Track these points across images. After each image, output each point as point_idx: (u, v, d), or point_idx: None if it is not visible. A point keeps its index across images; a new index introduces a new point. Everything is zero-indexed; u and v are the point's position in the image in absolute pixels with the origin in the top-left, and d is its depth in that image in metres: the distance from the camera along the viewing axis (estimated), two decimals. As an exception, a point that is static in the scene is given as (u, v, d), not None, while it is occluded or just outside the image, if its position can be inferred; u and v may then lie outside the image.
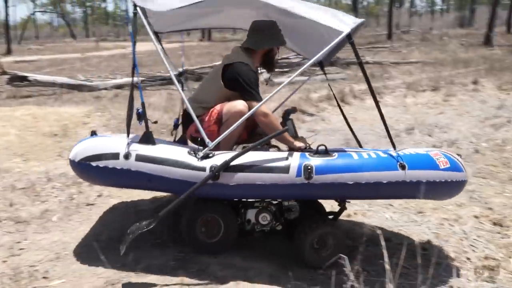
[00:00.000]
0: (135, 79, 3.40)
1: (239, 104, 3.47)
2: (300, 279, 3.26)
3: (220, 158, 3.22)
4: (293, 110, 3.95)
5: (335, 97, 4.90)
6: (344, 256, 2.55)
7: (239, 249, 3.52)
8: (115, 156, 3.23)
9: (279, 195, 3.37)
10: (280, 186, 3.16)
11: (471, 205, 4.91)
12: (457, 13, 68.76)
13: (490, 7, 31.39)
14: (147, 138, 3.36)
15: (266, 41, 3.74)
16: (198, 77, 12.68)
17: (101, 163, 3.24)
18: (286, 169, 3.15)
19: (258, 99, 3.51)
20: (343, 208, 3.65)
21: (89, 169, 3.29)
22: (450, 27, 49.84)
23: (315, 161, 3.19)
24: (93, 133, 3.60)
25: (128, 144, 3.27)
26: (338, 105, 4.66)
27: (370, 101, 10.81)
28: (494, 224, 4.43)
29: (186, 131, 3.84)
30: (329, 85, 5.10)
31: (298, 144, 3.50)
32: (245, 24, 4.04)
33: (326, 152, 3.29)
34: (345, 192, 3.27)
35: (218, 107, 3.59)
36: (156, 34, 4.22)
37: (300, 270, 3.39)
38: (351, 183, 3.14)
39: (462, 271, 3.45)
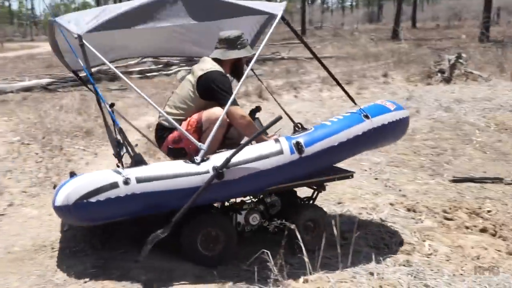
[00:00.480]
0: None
1: (218, 111, 3.51)
2: (225, 277, 3.24)
3: (217, 158, 3.27)
4: (258, 109, 4.07)
5: (268, 90, 5.04)
6: (267, 251, 2.55)
7: (162, 251, 3.44)
8: (114, 185, 3.04)
9: (282, 179, 3.45)
10: (281, 167, 3.33)
11: (387, 193, 5.12)
12: (366, 9, 71.50)
13: (396, 3, 32.92)
14: (139, 161, 3.25)
15: (233, 52, 3.81)
16: (112, 77, 12.30)
17: (101, 197, 3.01)
18: (280, 151, 3.35)
19: (234, 103, 3.55)
20: (319, 192, 3.86)
21: (89, 206, 3.01)
22: (360, 23, 51.83)
23: (300, 137, 3.45)
24: (73, 174, 3.40)
25: (121, 171, 3.11)
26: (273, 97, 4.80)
27: (286, 97, 11.02)
28: (408, 210, 4.65)
29: (161, 145, 3.79)
30: (259, 80, 5.07)
31: (271, 140, 3.55)
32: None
33: (304, 128, 3.64)
34: (333, 156, 3.57)
35: (195, 116, 3.60)
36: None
37: (225, 268, 3.37)
38: (336, 144, 3.47)
39: (380, 257, 3.57)
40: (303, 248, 3.10)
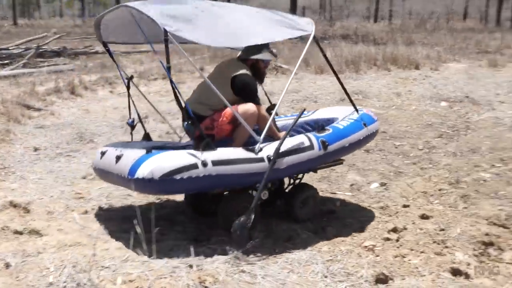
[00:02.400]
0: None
1: (252, 107, 4.13)
2: None
3: (268, 149, 3.91)
4: (273, 106, 4.55)
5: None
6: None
7: None
8: (194, 166, 3.58)
9: (309, 167, 4.32)
10: (311, 159, 4.13)
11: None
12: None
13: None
14: (208, 146, 3.74)
15: (253, 53, 4.37)
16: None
17: (184, 175, 3.54)
18: (312, 147, 4.11)
19: (260, 103, 4.33)
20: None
21: (173, 182, 3.55)
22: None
23: (324, 137, 4.23)
24: (148, 150, 3.75)
25: (199, 154, 3.64)
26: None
27: (102, 92, 10.61)
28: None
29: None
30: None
31: (281, 135, 4.15)
32: None
33: (324, 129, 4.38)
34: (343, 153, 4.53)
35: (228, 110, 4.03)
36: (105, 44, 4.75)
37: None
38: (347, 145, 4.42)
39: (199, 249, 3.60)
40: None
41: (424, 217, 4.53)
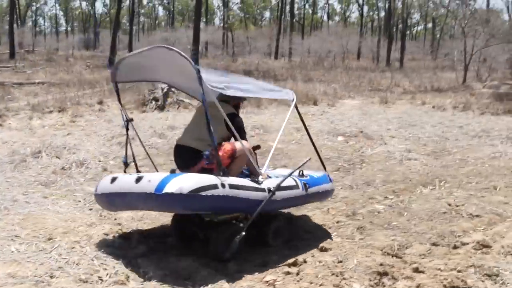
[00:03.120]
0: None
1: (247, 144, 4.77)
2: None
3: (269, 182, 4.54)
4: (258, 147, 5.44)
5: None
6: None
7: None
8: (216, 186, 3.98)
9: (295, 203, 5.16)
10: (297, 197, 4.87)
11: (102, 223, 4.97)
12: (82, 35, 70.02)
13: (112, 31, 33.13)
14: (224, 172, 4.22)
15: (238, 97, 4.90)
16: None
17: (208, 193, 3.93)
18: (298, 187, 4.84)
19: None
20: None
21: (198, 199, 3.91)
22: (76, 49, 50.53)
23: (305, 181, 4.98)
24: (173, 171, 4.15)
25: (219, 178, 4.07)
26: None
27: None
28: (124, 238, 4.59)
29: (191, 164, 4.58)
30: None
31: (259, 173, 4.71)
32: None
33: (303, 175, 5.08)
34: (316, 197, 5.36)
35: (228, 145, 4.67)
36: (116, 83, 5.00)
37: None
38: (320, 191, 5.25)
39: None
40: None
41: (323, 249, 4.62)
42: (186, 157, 4.68)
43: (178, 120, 11.18)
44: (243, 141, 4.63)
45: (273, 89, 5.40)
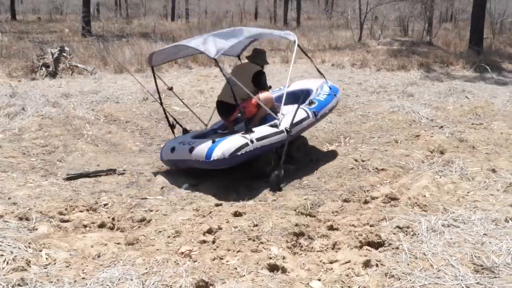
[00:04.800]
0: None
1: (270, 95, 6.17)
2: None
3: (284, 122, 5.71)
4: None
5: None
6: None
7: None
8: (246, 144, 5.29)
9: (308, 128, 6.37)
10: (309, 125, 6.15)
11: (-6, 204, 4.50)
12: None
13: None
14: (249, 130, 5.44)
15: (262, 60, 6.45)
16: None
17: (243, 151, 5.26)
18: (309, 116, 6.02)
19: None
20: None
21: (237, 156, 5.25)
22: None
23: (314, 108, 6.15)
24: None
25: (247, 136, 5.35)
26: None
27: None
28: (20, 219, 4.17)
29: (227, 116, 6.22)
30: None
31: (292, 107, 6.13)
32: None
33: (312, 102, 6.23)
34: (325, 116, 6.67)
35: (253, 99, 5.91)
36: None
37: None
38: (327, 111, 6.48)
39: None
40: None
41: (237, 214, 4.49)
42: (223, 110, 6.17)
43: (72, 87, 10.46)
44: (267, 93, 6.12)
45: (273, 32, 6.79)
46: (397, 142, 6.90)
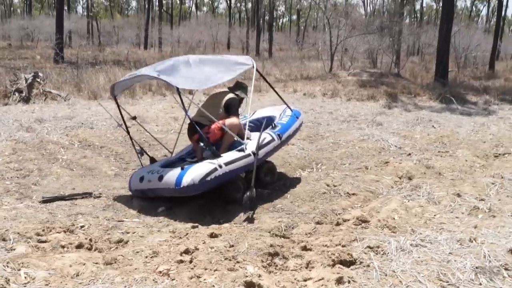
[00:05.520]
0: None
1: (236, 120, 6.21)
2: None
3: (250, 146, 5.91)
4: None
5: None
6: None
7: None
8: (215, 169, 5.46)
9: (276, 151, 6.51)
10: (275, 147, 6.33)
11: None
12: None
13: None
14: (216, 155, 5.64)
15: (241, 93, 6.65)
16: None
17: (212, 176, 5.42)
18: (274, 139, 6.28)
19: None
20: None
21: (206, 182, 5.39)
22: None
23: (278, 131, 6.45)
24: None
25: (215, 162, 5.51)
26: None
27: None
28: (3, 240, 4.20)
29: (193, 135, 6.24)
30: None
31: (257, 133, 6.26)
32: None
33: (275, 126, 6.53)
34: (290, 138, 6.88)
35: (220, 122, 6.04)
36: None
37: None
38: (291, 133, 6.75)
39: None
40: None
41: (213, 235, 4.60)
42: (192, 129, 6.13)
43: (46, 112, 10.46)
44: (233, 118, 6.18)
45: (229, 66, 6.33)
46: (367, 169, 7.14)
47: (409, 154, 8.05)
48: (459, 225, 4.79)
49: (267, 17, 49.33)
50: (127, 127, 6.55)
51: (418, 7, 60.89)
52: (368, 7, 56.87)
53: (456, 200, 5.57)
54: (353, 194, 6.02)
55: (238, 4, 69.67)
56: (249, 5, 56.86)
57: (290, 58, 28.46)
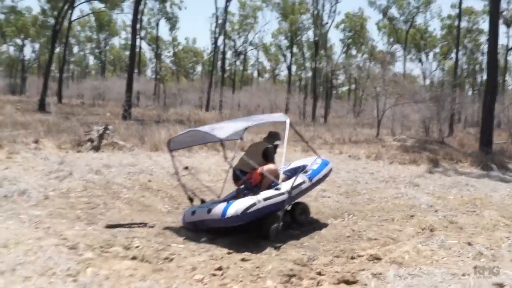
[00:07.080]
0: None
1: (273, 166, 7.25)
2: None
3: (285, 186, 6.93)
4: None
5: None
6: None
7: None
8: (254, 204, 6.43)
9: (307, 192, 7.65)
10: (306, 188, 7.42)
11: (49, 237, 5.59)
12: (8, 79, 68.46)
13: (43, 77, 33.21)
14: (254, 192, 6.73)
15: (273, 140, 7.81)
16: None
17: (252, 209, 6.38)
18: (305, 181, 7.35)
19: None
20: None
21: (248, 214, 6.37)
22: (1, 93, 49.63)
23: (309, 175, 7.53)
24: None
25: (255, 197, 6.53)
26: None
27: None
28: (70, 248, 5.25)
29: (238, 182, 7.46)
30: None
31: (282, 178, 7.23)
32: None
33: (307, 171, 7.62)
34: (320, 181, 7.90)
35: (259, 169, 7.11)
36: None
37: None
38: (321, 177, 7.80)
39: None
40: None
41: (244, 260, 5.46)
42: (236, 176, 7.26)
43: (113, 160, 11.79)
44: (271, 164, 7.25)
45: (264, 118, 8.41)
46: (394, 220, 7.82)
47: (436, 210, 8.64)
48: (460, 266, 5.42)
49: (327, 85, 50.96)
50: (178, 175, 7.63)
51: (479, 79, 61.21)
52: (427, 79, 57.56)
53: (465, 247, 6.17)
54: (375, 239, 6.72)
55: (299, 72, 72.06)
56: (310, 73, 58.87)
57: (344, 125, 29.46)
